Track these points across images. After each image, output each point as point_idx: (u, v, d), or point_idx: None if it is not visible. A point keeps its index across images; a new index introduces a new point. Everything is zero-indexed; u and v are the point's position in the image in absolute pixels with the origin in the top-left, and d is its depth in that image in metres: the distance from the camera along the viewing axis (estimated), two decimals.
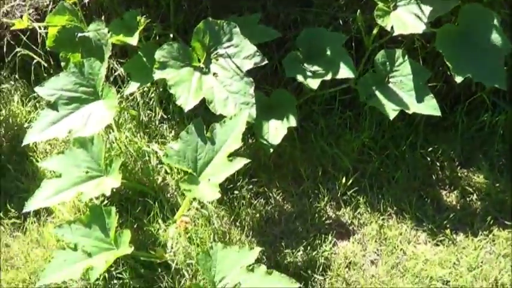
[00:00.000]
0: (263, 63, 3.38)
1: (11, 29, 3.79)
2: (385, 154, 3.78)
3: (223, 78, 3.41)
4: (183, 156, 3.30)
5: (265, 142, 3.48)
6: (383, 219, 3.55)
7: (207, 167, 3.31)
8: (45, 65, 4.02)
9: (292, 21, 3.88)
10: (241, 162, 3.18)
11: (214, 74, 3.40)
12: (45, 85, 3.54)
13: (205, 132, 3.32)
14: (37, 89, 3.52)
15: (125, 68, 3.75)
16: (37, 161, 3.79)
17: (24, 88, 4.13)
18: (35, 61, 4.04)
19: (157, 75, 3.38)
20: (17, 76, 4.17)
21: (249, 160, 3.20)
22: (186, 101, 3.34)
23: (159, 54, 3.40)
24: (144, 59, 3.61)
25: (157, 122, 3.84)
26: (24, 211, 3.27)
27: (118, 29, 3.60)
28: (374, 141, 3.80)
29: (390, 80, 3.57)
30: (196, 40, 3.43)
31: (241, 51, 3.41)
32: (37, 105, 4.06)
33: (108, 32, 3.60)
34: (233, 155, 3.25)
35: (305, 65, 3.58)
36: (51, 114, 3.48)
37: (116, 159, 3.24)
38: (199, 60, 3.46)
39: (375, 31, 3.59)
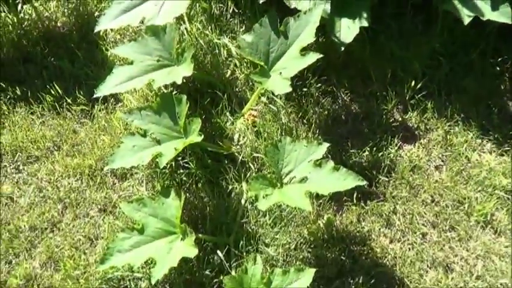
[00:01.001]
0: None
1: None
2: (454, 61, 3.60)
3: None
4: (255, 48, 3.18)
5: (336, 40, 3.31)
6: (449, 125, 3.41)
7: (278, 60, 3.18)
8: None
9: None
10: (313, 57, 3.04)
11: None
12: None
13: (278, 25, 3.14)
14: None
15: None
16: (107, 50, 3.68)
17: None
18: None
19: None
20: None
21: (321, 55, 3.02)
22: None
23: None
24: None
25: (228, 16, 3.69)
26: (95, 96, 3.16)
27: None
28: (444, 47, 3.62)
29: None
30: None
31: None
32: None
33: None
34: (305, 50, 3.06)
35: None
36: (124, 2, 3.37)
37: (188, 48, 3.11)
38: None
39: None
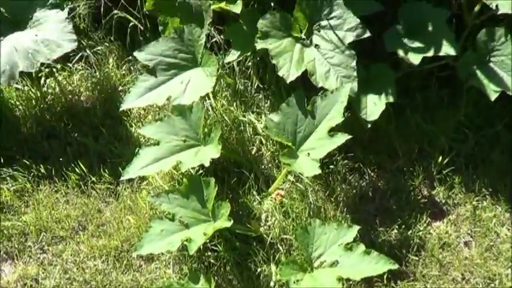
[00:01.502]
0: (366, 36, 3.15)
1: None
2: (480, 134, 3.53)
3: (325, 50, 3.19)
4: (282, 128, 3.11)
5: (363, 117, 3.22)
6: (477, 200, 3.32)
7: (306, 140, 3.12)
8: (142, 28, 3.80)
9: None
10: (342, 138, 2.98)
11: (316, 45, 3.19)
12: (144, 50, 3.33)
13: (306, 105, 3.08)
14: (136, 53, 3.31)
15: (226, 35, 3.52)
16: (131, 126, 3.62)
17: (119, 51, 3.93)
18: (131, 24, 3.83)
19: (259, 45, 3.16)
20: (112, 38, 3.96)
21: (349, 136, 2.95)
22: (288, 72, 3.14)
23: (262, 24, 3.18)
24: (245, 27, 3.37)
25: (253, 91, 3.63)
26: (122, 179, 3.07)
27: None
28: (470, 119, 3.55)
29: (491, 59, 3.32)
30: (299, 10, 3.22)
31: (344, 23, 3.19)
32: (132, 68, 3.87)
33: None
34: (333, 130, 2.99)
35: (406, 39, 3.33)
36: (149, 80, 3.29)
37: (216, 128, 3.04)
38: (301, 31, 3.24)
39: (476, 8, 3.32)
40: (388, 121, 3.48)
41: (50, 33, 3.48)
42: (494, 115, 3.54)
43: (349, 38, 3.17)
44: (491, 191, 3.34)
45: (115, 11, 3.79)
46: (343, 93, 3.08)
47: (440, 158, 3.39)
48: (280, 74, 3.13)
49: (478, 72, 3.30)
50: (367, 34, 3.14)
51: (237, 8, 3.25)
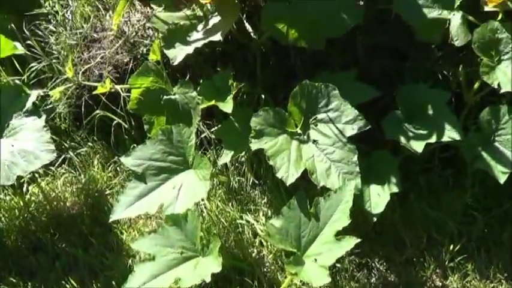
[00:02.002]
0: (366, 128, 2.93)
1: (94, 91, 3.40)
2: (489, 215, 3.33)
3: (324, 146, 2.99)
4: (285, 234, 2.90)
5: (367, 210, 3.02)
6: (493, 286, 3.11)
7: (311, 245, 2.90)
8: (126, 126, 3.51)
9: (386, 76, 3.34)
10: (350, 243, 2.78)
11: (314, 141, 2.99)
12: (131, 154, 3.11)
13: (308, 207, 2.88)
14: (123, 159, 3.09)
15: (217, 134, 3.32)
16: (122, 233, 3.39)
17: (103, 151, 3.71)
18: (115, 122, 3.55)
19: (254, 145, 2.97)
20: (95, 138, 3.71)
21: (359, 240, 2.71)
22: (287, 173, 2.93)
23: (255, 122, 2.98)
24: (236, 124, 3.14)
25: (248, 188, 3.35)
26: None
27: (208, 92, 3.19)
28: (477, 201, 3.35)
29: (496, 138, 3.15)
30: (293, 105, 3.03)
31: (342, 116, 2.99)
32: (118, 169, 3.63)
33: (198, 95, 3.18)
34: (340, 232, 2.76)
35: (406, 125, 3.15)
36: (139, 187, 3.07)
37: (214, 239, 2.82)
38: (296, 126, 3.04)
39: (476, 85, 3.17)
40: (392, 209, 3.27)
41: (26, 143, 3.25)
42: (502, 194, 3.34)
43: (349, 131, 2.97)
44: (507, 276, 3.15)
45: (97, 111, 3.51)
46: (348, 192, 2.87)
47: (451, 246, 3.20)
48: (279, 176, 2.93)
49: (484, 154, 3.12)
50: (368, 126, 2.95)
51: (227, 107, 3.06)
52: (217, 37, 3.11)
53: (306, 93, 3.01)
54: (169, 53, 3.18)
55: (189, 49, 3.14)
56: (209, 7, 3.23)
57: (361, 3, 3.43)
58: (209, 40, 3.15)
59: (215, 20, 3.23)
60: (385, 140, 3.20)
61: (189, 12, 3.29)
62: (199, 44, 3.13)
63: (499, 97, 3.24)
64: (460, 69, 3.19)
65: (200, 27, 3.24)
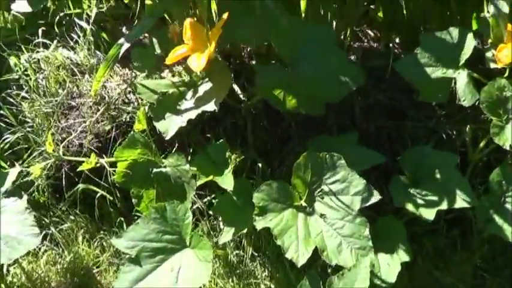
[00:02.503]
0: (376, 200, 2.72)
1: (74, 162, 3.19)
2: (500, 276, 3.15)
3: (332, 220, 2.78)
4: None
5: (379, 282, 2.81)
6: None
7: None
8: (111, 198, 3.22)
9: (385, 136, 3.14)
10: None
11: (321, 215, 2.77)
12: (123, 236, 2.87)
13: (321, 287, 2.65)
14: (114, 241, 2.85)
15: (214, 211, 3.06)
16: None
17: (87, 225, 3.42)
18: (98, 194, 3.23)
19: (259, 223, 2.75)
20: (78, 211, 3.41)
21: None
22: (297, 253, 2.72)
23: (258, 198, 2.75)
24: (235, 198, 2.89)
25: (248, 261, 3.10)
26: None
27: (203, 166, 2.95)
28: (486, 262, 3.18)
29: (506, 199, 2.97)
30: (297, 177, 2.82)
31: (350, 187, 2.79)
32: (105, 244, 3.33)
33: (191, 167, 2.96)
34: None
35: (413, 191, 2.96)
36: (134, 270, 2.82)
37: None
38: (300, 198, 2.80)
39: (481, 144, 3.04)
40: (400, 274, 2.96)
41: (9, 227, 2.98)
42: (510, 253, 3.18)
43: (358, 203, 2.77)
44: None
45: (79, 185, 3.22)
46: (363, 269, 2.67)
47: None
48: (288, 257, 2.71)
49: (496, 217, 2.95)
50: (378, 198, 2.76)
51: (228, 184, 2.82)
52: (212, 107, 2.89)
53: (310, 165, 2.80)
54: (160, 126, 2.94)
55: (182, 121, 2.93)
56: (198, 73, 2.96)
57: (352, 58, 3.22)
58: (202, 110, 2.88)
59: (206, 86, 3.01)
60: (388, 203, 3.02)
61: (176, 79, 3.03)
62: (192, 115, 2.90)
63: (503, 153, 3.09)
64: (467, 128, 3.05)
65: (190, 95, 3.01)
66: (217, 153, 2.97)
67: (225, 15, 2.86)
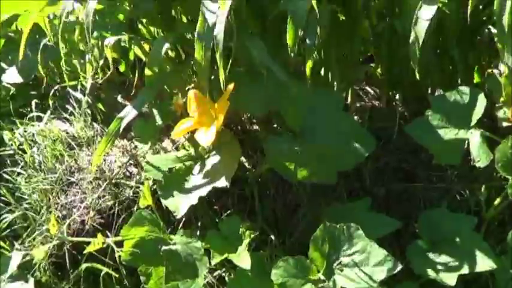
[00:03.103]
0: (398, 269, 2.60)
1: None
2: None
3: None
4: None
5: None
6: None
7: None
8: (117, 276, 3.05)
9: (396, 198, 3.03)
10: None
11: None
12: None
13: None
14: None
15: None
16: None
17: None
18: (103, 272, 3.06)
19: None
20: None
21: None
22: None
23: (276, 275, 2.64)
24: (250, 274, 2.73)
25: None
26: None
27: (215, 242, 2.82)
28: None
29: None
30: (315, 250, 2.70)
31: (370, 258, 2.66)
32: None
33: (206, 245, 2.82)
34: None
35: (432, 255, 2.84)
36: None
37: None
38: (318, 271, 2.68)
39: (496, 202, 2.93)
40: None
41: None
42: None
43: (379, 274, 2.64)
44: None
45: (83, 265, 3.05)
46: None
47: None
48: None
49: None
50: (398, 267, 2.63)
51: (245, 262, 2.71)
52: (223, 183, 2.77)
53: (328, 237, 2.67)
54: (170, 204, 2.82)
55: (192, 198, 2.81)
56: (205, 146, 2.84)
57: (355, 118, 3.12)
58: (213, 186, 2.74)
59: (214, 160, 2.88)
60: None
61: (181, 154, 2.89)
62: (203, 192, 2.78)
63: None
64: (482, 188, 2.96)
65: (197, 169, 2.87)
66: (229, 229, 2.84)
67: (231, 86, 2.71)
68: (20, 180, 3.39)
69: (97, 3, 2.82)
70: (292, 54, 2.65)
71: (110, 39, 3.02)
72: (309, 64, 2.81)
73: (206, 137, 2.74)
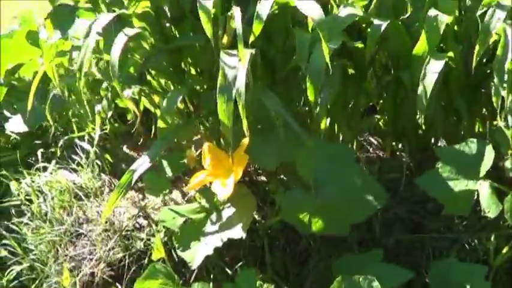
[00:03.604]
0: None
1: None
2: None
3: None
4: None
5: None
6: None
7: None
8: None
9: (405, 249, 3.05)
10: None
11: None
12: None
13: None
14: None
15: None
16: None
17: None
18: None
19: None
20: None
21: None
22: None
23: None
24: None
25: None
26: None
27: None
28: None
29: None
30: None
31: None
32: None
33: None
34: None
35: None
36: None
37: None
38: None
39: (504, 250, 2.95)
40: None
41: None
42: None
43: None
44: None
45: None
46: None
47: None
48: None
49: None
50: None
51: None
52: (239, 233, 2.76)
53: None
54: (186, 256, 2.80)
55: (208, 249, 2.77)
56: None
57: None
58: (229, 238, 2.73)
59: (229, 211, 2.85)
60: None
61: (194, 206, 2.87)
62: (218, 243, 2.76)
63: None
64: (492, 238, 2.99)
65: (212, 221, 2.85)
66: (246, 283, 2.80)
67: (247, 140, 2.71)
68: (26, 231, 3.33)
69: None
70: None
71: (128, 91, 3.01)
72: (324, 121, 2.82)
73: (224, 189, 2.73)
